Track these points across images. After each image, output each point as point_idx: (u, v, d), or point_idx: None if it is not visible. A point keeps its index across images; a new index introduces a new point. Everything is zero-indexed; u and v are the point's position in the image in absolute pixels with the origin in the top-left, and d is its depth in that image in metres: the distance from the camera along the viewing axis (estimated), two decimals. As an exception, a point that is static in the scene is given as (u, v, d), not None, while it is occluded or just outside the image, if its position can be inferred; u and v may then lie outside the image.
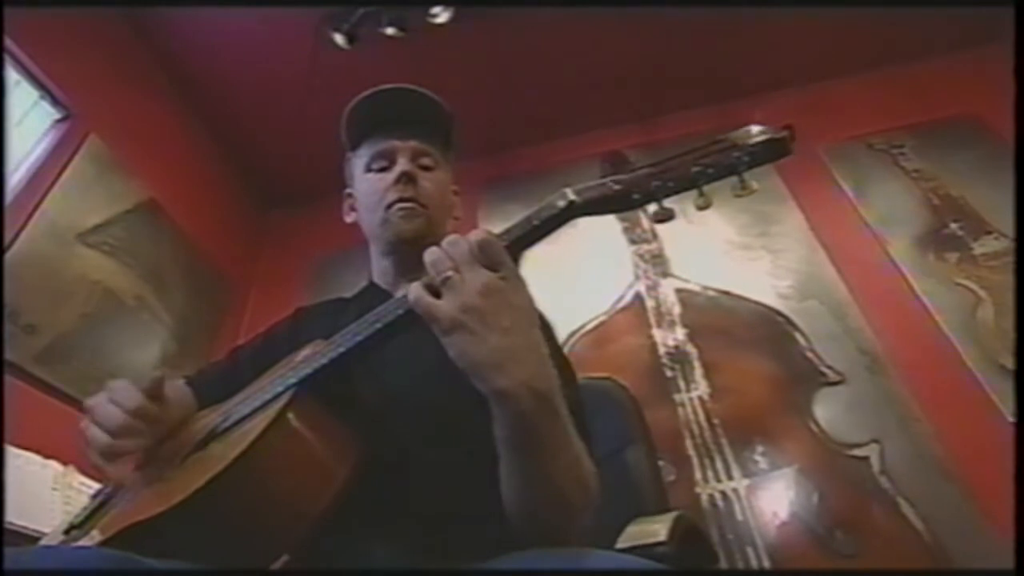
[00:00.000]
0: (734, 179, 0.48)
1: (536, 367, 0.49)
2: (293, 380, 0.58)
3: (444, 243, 0.49)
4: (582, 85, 2.39)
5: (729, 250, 2.08)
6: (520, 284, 0.50)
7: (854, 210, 2.07)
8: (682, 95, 2.45)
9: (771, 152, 0.46)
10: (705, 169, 0.47)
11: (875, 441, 1.58)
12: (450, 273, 0.48)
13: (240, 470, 0.50)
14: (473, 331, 0.47)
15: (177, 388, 0.80)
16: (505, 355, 0.47)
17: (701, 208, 0.47)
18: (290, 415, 0.54)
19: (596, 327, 1.99)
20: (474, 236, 0.49)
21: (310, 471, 0.54)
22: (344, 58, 2.04)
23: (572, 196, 0.51)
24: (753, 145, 0.46)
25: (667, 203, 0.50)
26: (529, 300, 0.51)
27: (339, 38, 1.97)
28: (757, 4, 2.16)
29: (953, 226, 1.93)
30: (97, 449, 0.59)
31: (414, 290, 0.49)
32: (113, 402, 0.60)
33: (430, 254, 0.49)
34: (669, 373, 1.85)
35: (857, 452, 1.57)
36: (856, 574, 1.44)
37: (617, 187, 0.50)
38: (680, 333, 1.93)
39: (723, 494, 1.58)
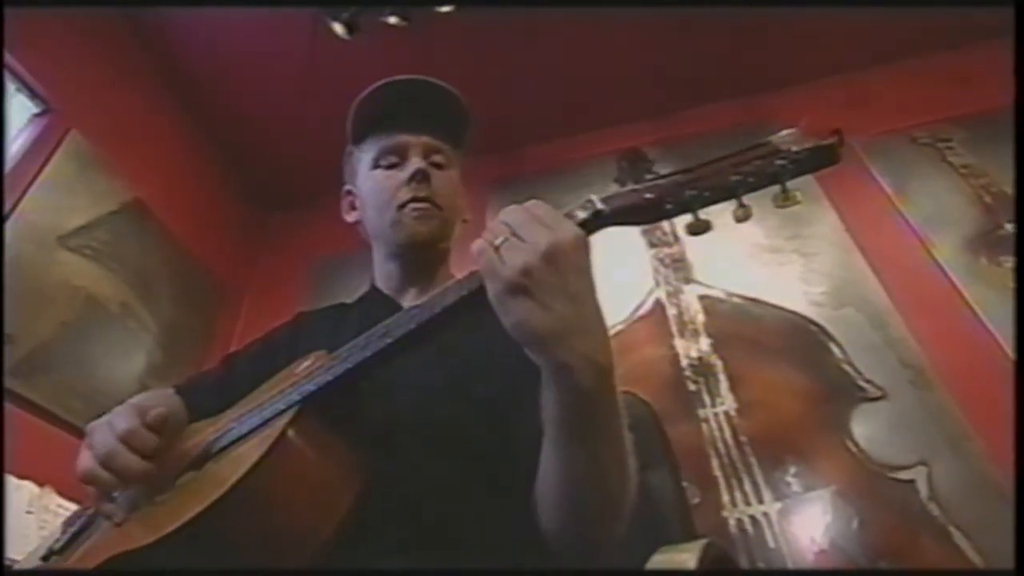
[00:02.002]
0: (773, 187, 0.48)
1: (600, 338, 0.48)
2: (296, 397, 0.58)
3: (500, 215, 0.49)
4: (597, 77, 2.39)
5: (757, 254, 2.07)
6: (586, 246, 0.48)
7: (895, 210, 2.05)
8: (704, 88, 2.44)
9: (817, 160, 0.46)
10: (745, 178, 0.47)
11: (922, 463, 1.55)
12: (507, 235, 0.47)
13: (240, 496, 0.50)
14: (535, 297, 0.45)
15: (166, 398, 0.80)
16: (570, 325, 0.46)
17: (740, 220, 0.46)
18: (293, 435, 0.54)
19: (613, 336, 1.96)
20: (529, 203, 0.49)
21: (314, 496, 0.55)
22: (344, 49, 2.05)
23: (599, 205, 0.51)
24: (798, 152, 0.46)
25: (702, 214, 0.49)
26: (591, 264, 0.49)
27: (338, 27, 1.98)
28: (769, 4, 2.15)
29: (1008, 227, 1.90)
30: (106, 492, 0.58)
31: (479, 243, 0.48)
32: (131, 448, 0.58)
33: (488, 231, 0.49)
34: (692, 386, 1.84)
35: (901, 475, 1.55)
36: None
37: (649, 196, 0.50)
38: (704, 343, 1.92)
39: (752, 519, 1.57)
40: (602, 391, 0.49)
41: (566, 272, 0.46)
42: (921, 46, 2.34)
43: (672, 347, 1.94)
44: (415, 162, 0.84)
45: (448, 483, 0.64)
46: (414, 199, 0.82)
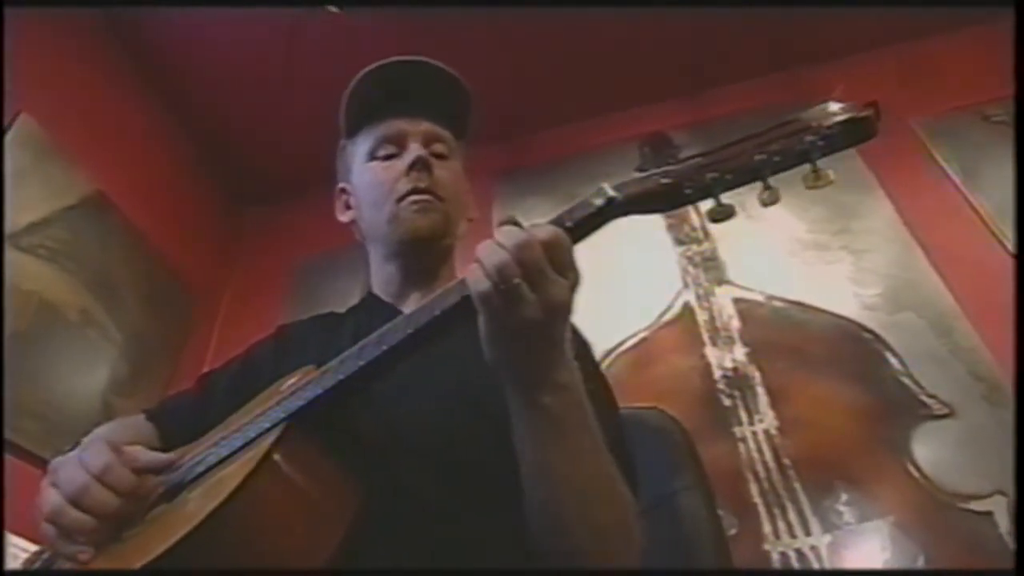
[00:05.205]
0: (805, 167, 0.49)
1: (565, 363, 0.56)
2: (281, 415, 0.59)
3: (510, 244, 0.51)
4: (616, 53, 2.40)
5: (799, 251, 2.07)
6: (578, 287, 0.54)
7: (962, 199, 2.05)
8: (738, 62, 2.44)
9: (851, 135, 0.47)
10: (771, 157, 0.48)
11: (1000, 492, 1.53)
12: (517, 281, 0.50)
13: (218, 527, 0.51)
14: (530, 345, 0.53)
15: (135, 425, 0.82)
16: (546, 363, 0.55)
17: (767, 204, 0.48)
18: (278, 457, 0.56)
19: (637, 344, 2.00)
20: (542, 234, 0.52)
21: (304, 524, 0.56)
22: (332, 27, 2.07)
23: (612, 193, 0.53)
24: (829, 127, 0.47)
25: (725, 198, 0.51)
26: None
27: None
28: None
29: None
30: (79, 537, 0.58)
31: (479, 283, 0.52)
32: (106, 484, 0.58)
33: (493, 254, 0.51)
34: (727, 401, 1.84)
35: (975, 505, 1.53)
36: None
37: (666, 181, 0.52)
38: (739, 352, 1.93)
39: (799, 552, 1.56)
40: (565, 407, 0.56)
41: (561, 323, 0.54)
42: (993, 8, 2.31)
43: (703, 357, 1.94)
44: (414, 149, 0.86)
45: (455, 505, 0.65)
46: (414, 190, 0.84)
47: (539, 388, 0.55)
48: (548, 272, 0.51)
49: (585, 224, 0.54)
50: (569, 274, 0.52)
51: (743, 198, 0.51)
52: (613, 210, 0.53)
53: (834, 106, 0.47)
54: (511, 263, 0.50)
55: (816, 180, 0.47)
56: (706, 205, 0.52)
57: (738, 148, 0.50)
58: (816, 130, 0.47)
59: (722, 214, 0.50)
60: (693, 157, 0.51)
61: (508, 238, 0.51)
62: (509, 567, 0.62)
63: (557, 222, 0.54)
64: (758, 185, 0.50)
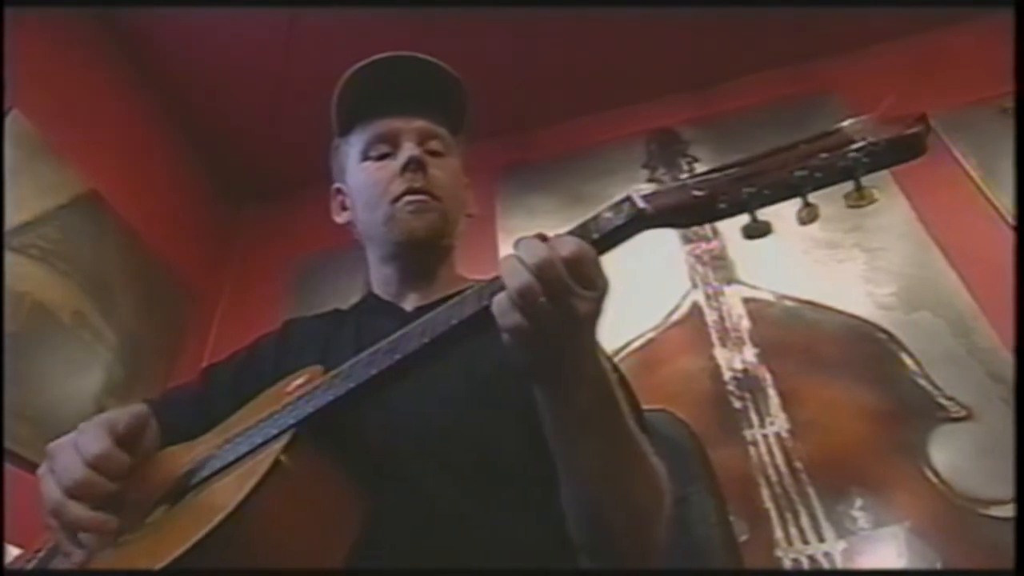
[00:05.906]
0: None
1: (591, 358, 0.56)
2: (290, 421, 0.59)
3: (532, 263, 0.49)
4: (621, 47, 2.38)
5: (811, 249, 2.06)
6: (607, 294, 0.54)
7: (980, 195, 2.03)
8: (746, 56, 2.42)
9: (898, 152, 0.46)
10: (812, 173, 0.46)
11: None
12: (542, 301, 0.49)
13: (226, 536, 0.51)
14: (555, 354, 0.53)
15: (141, 416, 0.81)
16: (573, 368, 0.55)
17: (806, 222, 0.46)
18: (289, 463, 0.55)
19: (644, 345, 1.99)
20: (565, 250, 0.50)
21: (313, 532, 0.56)
22: (330, 20, 2.05)
23: (641, 204, 0.51)
24: (875, 142, 0.45)
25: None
26: None
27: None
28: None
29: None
30: (75, 533, 0.58)
31: (511, 316, 0.50)
32: (103, 472, 0.58)
33: (516, 275, 0.49)
34: (737, 404, 1.84)
35: (995, 511, 1.53)
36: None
37: (699, 193, 0.50)
38: (750, 353, 1.92)
39: (811, 559, 1.56)
40: (594, 400, 0.56)
41: (589, 332, 0.54)
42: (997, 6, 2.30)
43: (712, 358, 1.94)
44: (408, 148, 0.85)
45: (467, 505, 0.65)
46: (409, 191, 0.84)
47: (566, 387, 0.55)
48: (572, 288, 0.49)
49: (611, 237, 0.53)
50: (598, 283, 0.52)
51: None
52: (642, 223, 0.52)
53: (879, 119, 0.46)
54: (534, 284, 0.49)
55: (859, 199, 0.45)
56: (743, 221, 0.50)
57: (777, 160, 0.48)
58: (861, 145, 0.45)
59: (757, 231, 0.48)
60: (729, 168, 0.49)
61: (529, 255, 0.49)
62: (524, 567, 0.63)
63: (583, 234, 0.53)
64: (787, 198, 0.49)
